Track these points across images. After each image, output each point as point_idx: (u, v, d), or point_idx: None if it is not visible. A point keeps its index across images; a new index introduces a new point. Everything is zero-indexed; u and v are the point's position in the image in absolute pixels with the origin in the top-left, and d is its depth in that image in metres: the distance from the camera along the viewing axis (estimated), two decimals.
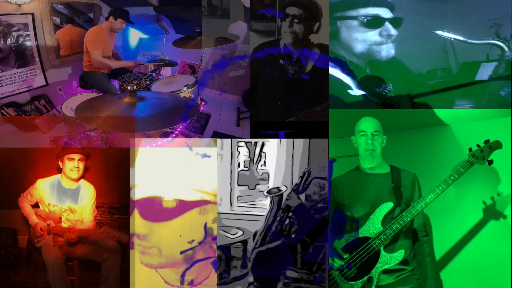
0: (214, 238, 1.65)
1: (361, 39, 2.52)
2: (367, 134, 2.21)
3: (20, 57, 3.11)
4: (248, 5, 2.82)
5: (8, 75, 3.05)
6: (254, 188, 2.28)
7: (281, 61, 2.60)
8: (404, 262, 2.09)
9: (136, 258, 1.67)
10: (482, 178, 2.34)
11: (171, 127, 2.70)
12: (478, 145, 2.09)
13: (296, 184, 2.22)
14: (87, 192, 2.55)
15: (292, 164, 2.34)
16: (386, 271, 2.08)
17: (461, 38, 2.48)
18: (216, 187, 1.74)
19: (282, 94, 2.63)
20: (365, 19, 2.49)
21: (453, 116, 2.49)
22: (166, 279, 1.63)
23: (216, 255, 1.68)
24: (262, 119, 2.59)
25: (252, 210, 2.29)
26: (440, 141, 2.51)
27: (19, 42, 3.10)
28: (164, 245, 1.57)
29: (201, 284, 1.66)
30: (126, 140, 2.43)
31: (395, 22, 2.51)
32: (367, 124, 2.23)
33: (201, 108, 3.24)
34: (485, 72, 2.49)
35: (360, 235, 2.14)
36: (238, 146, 2.33)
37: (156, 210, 1.56)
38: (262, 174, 2.29)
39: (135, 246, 1.57)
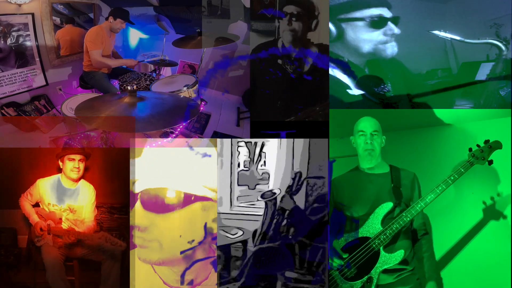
0: (214, 238, 1.65)
1: (368, 39, 2.54)
2: (366, 134, 2.21)
3: (20, 57, 3.11)
4: (248, 5, 2.82)
5: (8, 75, 3.06)
6: (254, 188, 2.28)
7: (279, 61, 2.61)
8: (404, 262, 2.09)
9: (136, 257, 1.66)
10: (482, 178, 2.34)
11: (171, 127, 2.70)
12: (478, 145, 2.09)
13: (289, 185, 2.22)
14: (87, 192, 2.55)
15: (292, 164, 2.34)
16: (386, 271, 2.08)
17: (458, 37, 2.49)
18: (217, 186, 1.74)
19: (281, 94, 2.63)
20: (370, 20, 2.50)
21: (453, 116, 2.49)
22: (165, 280, 1.62)
23: (215, 255, 1.68)
24: (262, 119, 2.59)
25: (252, 210, 2.29)
26: (440, 141, 2.51)
27: (19, 42, 3.10)
28: (165, 238, 1.55)
29: (201, 285, 1.66)
30: (126, 140, 2.43)
31: (394, 21, 2.52)
32: (366, 124, 2.23)
33: (201, 108, 3.24)
34: (483, 71, 2.50)
35: (360, 235, 2.14)
36: (238, 146, 2.33)
37: (159, 202, 1.54)
38: (262, 174, 2.29)
39: (134, 239, 1.55)
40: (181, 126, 2.91)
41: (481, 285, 2.30)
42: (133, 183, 1.57)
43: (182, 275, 1.62)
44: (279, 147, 2.29)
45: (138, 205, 1.56)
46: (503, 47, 2.43)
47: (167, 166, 1.60)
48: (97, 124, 2.15)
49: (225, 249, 2.16)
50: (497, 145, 2.09)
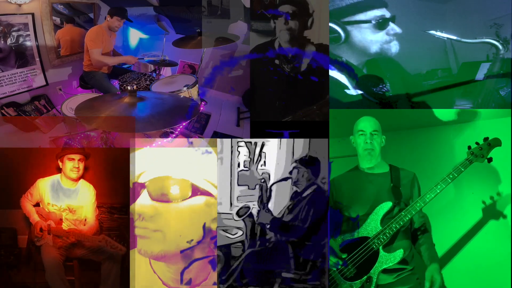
0: (213, 238, 1.65)
1: (374, 40, 2.55)
2: (366, 133, 2.21)
3: (20, 57, 3.11)
4: (248, 5, 2.83)
5: (8, 75, 3.06)
6: (254, 188, 2.28)
7: (276, 61, 2.62)
8: (403, 261, 2.09)
9: (136, 257, 1.66)
10: (482, 178, 2.34)
11: (171, 127, 2.71)
12: (477, 143, 2.07)
13: (259, 196, 2.19)
14: (87, 192, 2.56)
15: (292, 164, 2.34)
16: (385, 271, 2.08)
17: (454, 37, 2.49)
18: (217, 182, 1.73)
19: (280, 94, 2.63)
20: (375, 21, 2.51)
21: (453, 116, 2.49)
22: (164, 280, 1.62)
23: (214, 254, 1.67)
24: (262, 119, 2.60)
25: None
26: (440, 141, 2.51)
27: (19, 42, 3.10)
28: (170, 229, 1.53)
29: (200, 285, 1.66)
30: (126, 140, 2.43)
31: (392, 20, 2.53)
32: (366, 124, 2.23)
33: (201, 108, 3.25)
34: (483, 71, 2.50)
35: (360, 235, 2.14)
36: (238, 146, 2.33)
37: (165, 192, 1.52)
38: (262, 174, 2.29)
39: (136, 230, 1.53)
40: (181, 126, 2.91)
41: (480, 284, 2.30)
42: (140, 173, 1.55)
43: (181, 274, 1.61)
44: (279, 147, 2.29)
45: (144, 194, 1.53)
46: (500, 46, 2.43)
47: (174, 158, 1.58)
48: (97, 124, 2.15)
49: (225, 249, 2.16)
50: (496, 143, 2.06)
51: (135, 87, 2.28)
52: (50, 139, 2.97)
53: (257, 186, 2.19)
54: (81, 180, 2.56)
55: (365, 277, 2.09)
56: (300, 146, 2.26)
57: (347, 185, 2.26)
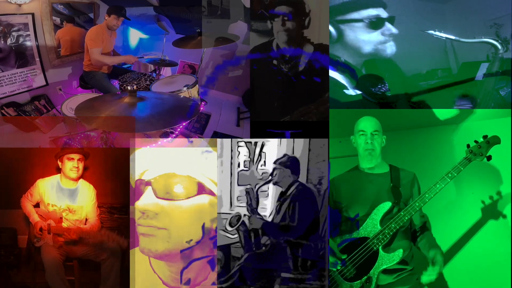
0: (212, 238, 1.64)
1: (367, 40, 2.54)
2: (366, 133, 2.21)
3: (20, 57, 3.12)
4: (248, 5, 2.83)
5: (8, 75, 3.06)
6: (254, 188, 2.28)
7: (275, 62, 2.62)
8: (403, 262, 2.09)
9: (136, 257, 1.65)
10: (482, 178, 2.34)
11: (171, 127, 2.71)
12: (476, 141, 2.04)
13: (247, 203, 2.19)
14: (87, 192, 2.56)
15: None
16: (385, 271, 2.08)
17: (453, 37, 2.49)
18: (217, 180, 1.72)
19: (278, 94, 2.63)
20: (368, 21, 2.51)
21: (453, 116, 2.49)
22: (164, 280, 1.61)
23: (213, 254, 1.67)
24: (262, 119, 2.60)
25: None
26: (440, 141, 2.51)
27: (19, 42, 3.10)
28: (175, 227, 1.51)
29: (200, 285, 1.65)
30: (126, 140, 2.43)
31: (390, 21, 2.53)
32: (367, 124, 2.23)
33: (201, 108, 3.25)
34: (483, 71, 2.50)
35: (359, 235, 2.14)
36: (238, 146, 2.34)
37: (171, 189, 1.51)
38: (262, 174, 2.29)
39: (139, 228, 1.51)
40: (181, 126, 2.91)
41: (480, 284, 2.30)
42: (143, 171, 1.53)
43: (181, 273, 1.60)
44: (279, 147, 2.29)
45: (148, 192, 1.52)
46: (499, 46, 2.43)
47: (177, 156, 1.57)
48: (97, 124, 2.15)
49: (224, 249, 2.16)
50: (495, 140, 2.03)
51: (135, 87, 2.28)
52: (50, 139, 2.98)
53: (244, 193, 2.20)
54: (81, 180, 2.56)
55: (365, 277, 2.08)
56: (300, 146, 2.27)
57: (346, 185, 2.26)
